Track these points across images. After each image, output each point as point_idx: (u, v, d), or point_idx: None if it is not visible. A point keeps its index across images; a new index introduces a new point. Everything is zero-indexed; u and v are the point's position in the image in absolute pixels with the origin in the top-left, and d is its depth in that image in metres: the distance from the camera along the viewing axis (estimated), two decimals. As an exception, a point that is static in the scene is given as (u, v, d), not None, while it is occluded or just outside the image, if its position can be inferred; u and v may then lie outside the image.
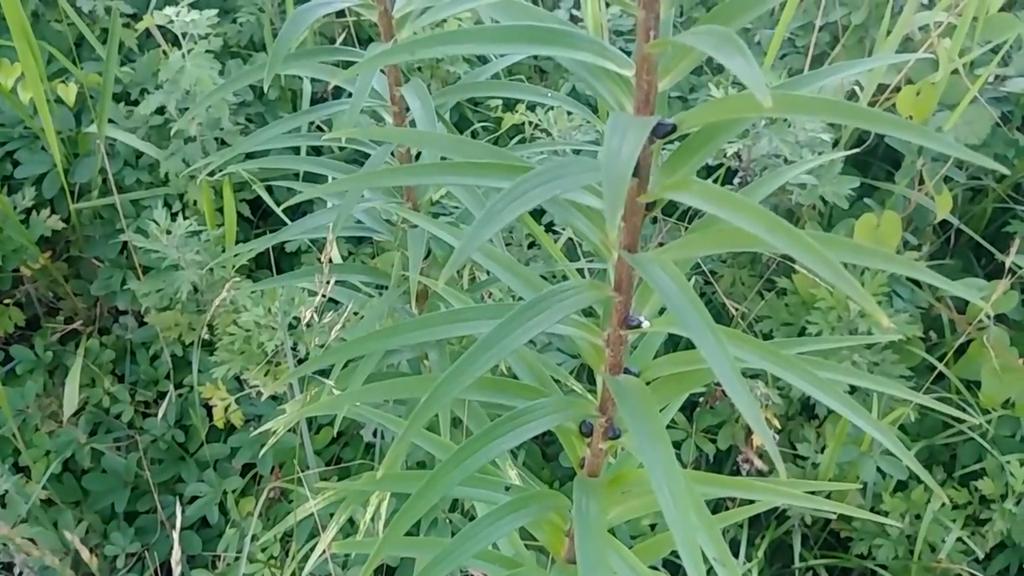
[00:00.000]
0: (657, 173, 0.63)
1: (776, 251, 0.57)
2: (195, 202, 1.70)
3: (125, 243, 1.71)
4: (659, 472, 0.60)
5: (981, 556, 1.53)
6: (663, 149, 0.67)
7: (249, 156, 1.38)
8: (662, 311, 0.77)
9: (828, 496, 0.88)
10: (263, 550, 1.46)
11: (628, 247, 0.66)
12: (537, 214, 1.72)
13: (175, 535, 1.07)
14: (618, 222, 0.46)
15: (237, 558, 1.46)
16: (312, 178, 1.60)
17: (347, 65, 1.04)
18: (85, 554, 1.24)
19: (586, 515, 0.74)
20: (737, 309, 1.65)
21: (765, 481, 0.85)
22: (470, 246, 0.46)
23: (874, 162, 1.96)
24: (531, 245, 1.71)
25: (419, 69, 1.81)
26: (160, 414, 1.63)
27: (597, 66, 0.57)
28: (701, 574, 0.56)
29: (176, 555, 1.06)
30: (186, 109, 1.58)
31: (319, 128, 1.61)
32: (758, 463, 1.47)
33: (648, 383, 0.76)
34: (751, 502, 1.01)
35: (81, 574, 1.48)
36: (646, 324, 0.72)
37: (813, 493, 0.90)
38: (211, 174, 1.61)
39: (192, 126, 1.61)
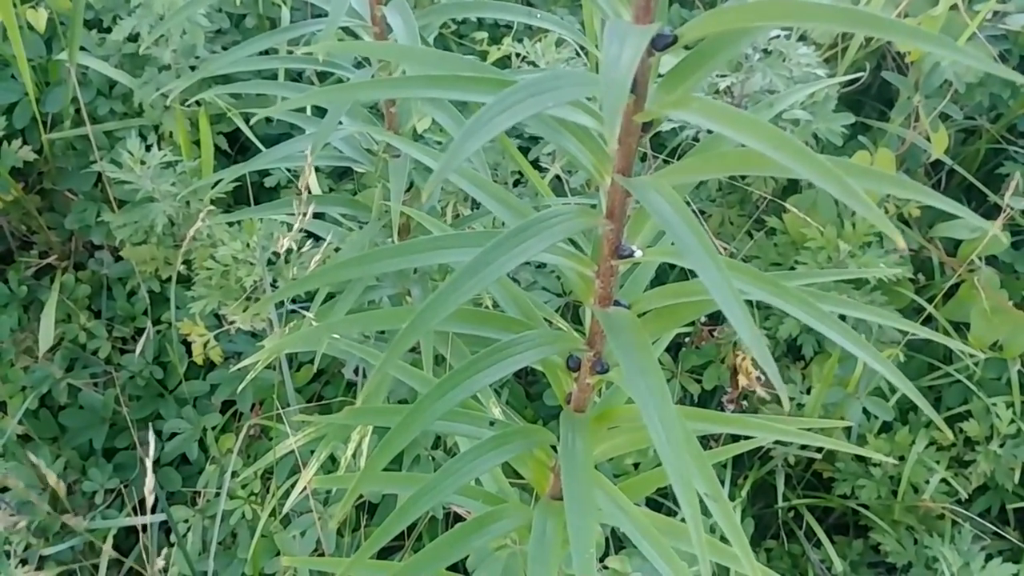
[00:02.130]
0: (655, 91, 0.59)
1: (782, 173, 0.54)
2: (170, 133, 1.64)
3: (99, 176, 1.66)
4: (651, 405, 0.58)
5: (964, 497, 1.53)
6: (657, 78, 0.63)
7: (226, 83, 1.33)
8: (655, 241, 0.74)
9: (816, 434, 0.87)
10: (243, 487, 1.45)
11: (622, 171, 0.62)
12: (523, 151, 1.68)
13: (148, 463, 1.05)
14: (617, 132, 0.42)
15: (217, 494, 1.44)
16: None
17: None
18: (52, 478, 1.21)
19: (572, 450, 0.72)
20: (726, 248, 1.63)
21: (756, 417, 0.83)
22: (457, 156, 0.43)
23: (867, 101, 1.92)
24: (516, 183, 1.67)
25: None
26: (138, 350, 1.60)
27: (593, -30, 0.53)
28: (695, 508, 0.53)
29: (149, 484, 1.04)
30: (160, 36, 1.52)
31: (298, 55, 1.55)
32: (760, 391, 1.47)
33: (639, 316, 0.73)
34: (735, 441, 1.00)
35: (59, 509, 1.46)
36: (638, 254, 0.69)
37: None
38: (186, 104, 1.55)
39: (167, 54, 1.55)
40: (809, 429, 0.86)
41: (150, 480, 1.04)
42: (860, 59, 1.77)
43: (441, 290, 0.55)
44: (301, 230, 1.19)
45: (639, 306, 0.74)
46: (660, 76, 0.63)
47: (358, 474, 0.71)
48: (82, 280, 1.74)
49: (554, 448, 0.90)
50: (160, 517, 1.47)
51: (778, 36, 1.51)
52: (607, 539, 1.30)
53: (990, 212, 1.75)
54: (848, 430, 1.54)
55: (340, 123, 1.08)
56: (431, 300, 0.55)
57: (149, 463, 1.05)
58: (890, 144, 1.69)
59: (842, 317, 0.71)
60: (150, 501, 1.04)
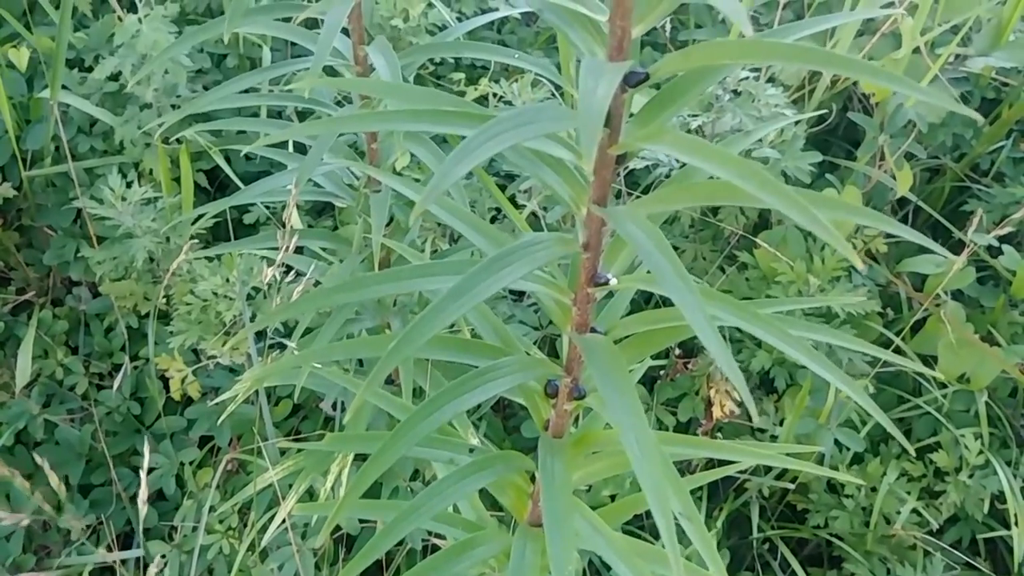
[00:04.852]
0: (629, 125, 0.62)
1: (750, 203, 0.57)
2: (151, 171, 1.66)
3: (79, 212, 1.67)
4: (627, 424, 0.60)
5: (936, 527, 1.55)
6: (630, 116, 0.66)
7: (208, 121, 1.35)
8: (630, 270, 0.76)
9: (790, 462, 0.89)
10: (220, 521, 1.44)
11: (598, 201, 0.65)
12: (499, 188, 1.71)
13: (143, 480, 1.05)
14: (593, 158, 0.45)
15: (194, 529, 1.43)
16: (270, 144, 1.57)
17: (310, 22, 1.02)
18: (55, 484, 1.22)
19: (552, 474, 0.74)
20: (698, 283, 1.66)
21: (731, 442, 0.85)
22: (447, 179, 0.45)
23: (834, 141, 1.97)
24: (492, 220, 1.70)
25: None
26: (115, 386, 1.60)
27: (568, 9, 0.56)
28: (670, 523, 0.55)
29: (143, 494, 1.04)
30: (144, 76, 1.54)
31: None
32: (734, 419, 1.50)
33: (615, 343, 0.75)
34: (712, 469, 1.02)
35: (36, 546, 1.45)
36: (614, 282, 0.71)
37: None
38: (167, 141, 1.57)
39: (148, 92, 1.57)
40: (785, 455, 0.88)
41: (143, 492, 1.04)
42: (826, 100, 1.82)
43: (426, 312, 0.57)
44: (282, 264, 1.21)
45: (615, 333, 0.76)
46: (632, 115, 0.66)
47: (340, 500, 0.72)
48: (59, 316, 1.74)
49: (532, 475, 0.91)
50: (137, 553, 1.46)
51: (747, 78, 1.56)
52: (584, 569, 1.31)
53: (954, 248, 1.79)
54: (820, 461, 1.57)
55: (322, 159, 1.10)
56: (416, 322, 0.57)
57: (144, 476, 1.05)
58: (857, 182, 1.73)
59: (814, 346, 0.74)
60: (143, 512, 1.04)
